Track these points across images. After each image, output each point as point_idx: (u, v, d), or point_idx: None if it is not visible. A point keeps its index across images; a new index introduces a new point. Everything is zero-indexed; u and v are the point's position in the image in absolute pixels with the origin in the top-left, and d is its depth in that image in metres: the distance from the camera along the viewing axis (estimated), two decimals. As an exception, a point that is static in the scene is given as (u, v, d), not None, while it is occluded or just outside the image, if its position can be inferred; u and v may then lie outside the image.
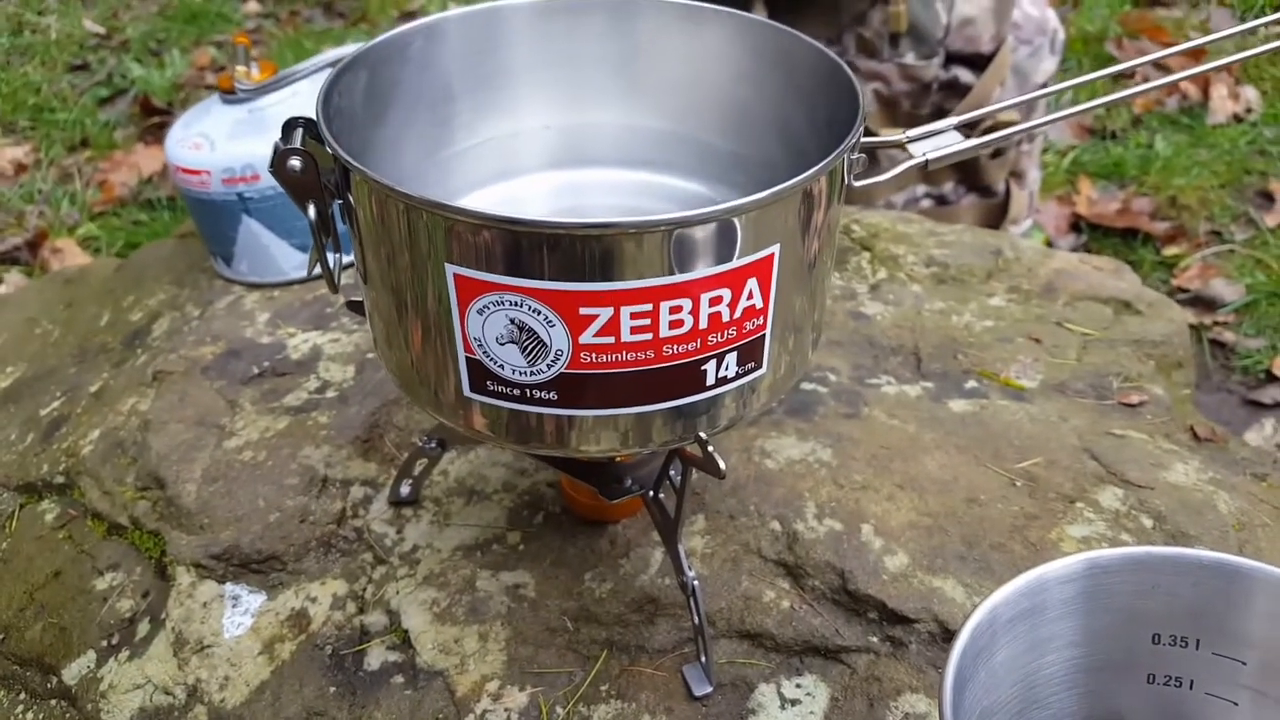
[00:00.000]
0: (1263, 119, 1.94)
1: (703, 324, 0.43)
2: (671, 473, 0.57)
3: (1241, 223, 1.72)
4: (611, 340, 0.42)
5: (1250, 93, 2.01)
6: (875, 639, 0.59)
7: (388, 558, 0.67)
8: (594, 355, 0.43)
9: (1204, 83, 2.04)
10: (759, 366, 0.47)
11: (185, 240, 1.09)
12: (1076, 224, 1.73)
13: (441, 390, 0.48)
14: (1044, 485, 0.69)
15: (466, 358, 0.45)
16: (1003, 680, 0.42)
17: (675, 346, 0.43)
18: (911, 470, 0.69)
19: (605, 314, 0.42)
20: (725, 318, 0.44)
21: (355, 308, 0.56)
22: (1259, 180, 1.80)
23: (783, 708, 0.57)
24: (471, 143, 0.59)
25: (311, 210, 0.48)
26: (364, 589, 0.65)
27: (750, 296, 0.44)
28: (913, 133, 0.54)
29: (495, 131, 0.59)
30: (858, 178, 0.51)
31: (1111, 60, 2.10)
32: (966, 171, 1.36)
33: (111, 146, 2.12)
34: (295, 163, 0.46)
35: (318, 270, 0.82)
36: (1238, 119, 1.96)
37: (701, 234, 0.41)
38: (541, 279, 0.41)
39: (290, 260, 0.92)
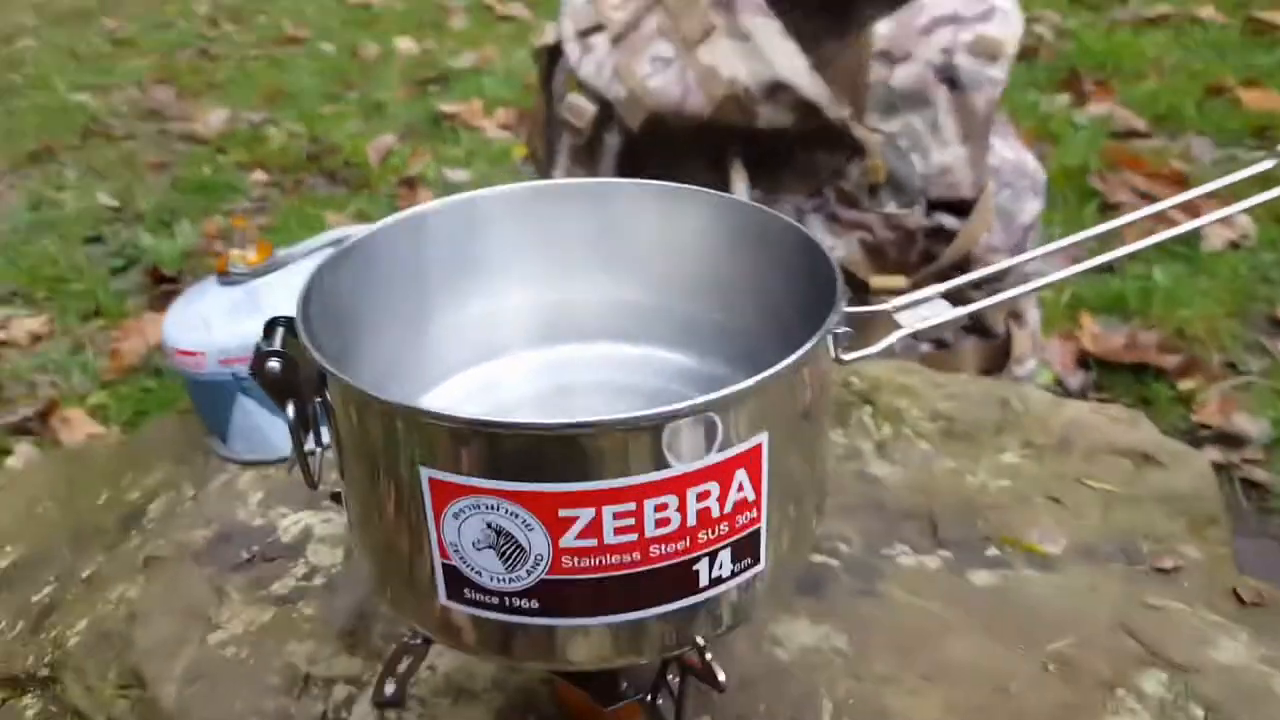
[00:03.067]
0: (1259, 244, 1.94)
1: (691, 521, 0.40)
2: (670, 676, 0.53)
3: (1255, 351, 1.69)
4: (594, 543, 0.40)
5: (1243, 219, 2.01)
6: None
7: (371, 766, 0.62)
8: (576, 559, 0.40)
9: (1196, 211, 2.05)
10: (756, 562, 0.44)
11: (186, 416, 1.08)
12: (1084, 360, 1.71)
13: (418, 598, 0.44)
14: (1079, 669, 0.63)
15: (443, 564, 0.42)
16: None
17: (663, 546, 0.41)
18: (936, 657, 0.64)
19: (586, 515, 0.39)
20: (715, 513, 0.41)
21: (337, 499, 0.54)
22: (1265, 306, 1.78)
23: None
24: (452, 325, 0.58)
25: (290, 410, 0.46)
26: (344, 804, 0.60)
27: (740, 489, 0.41)
28: (898, 302, 0.53)
29: (475, 312, 0.58)
30: (846, 350, 0.50)
31: (1094, 193, 2.13)
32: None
33: (123, 315, 2.16)
34: (274, 364, 0.45)
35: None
36: (1234, 246, 1.97)
37: (683, 428, 0.39)
38: (516, 481, 0.39)
39: (285, 437, 0.90)
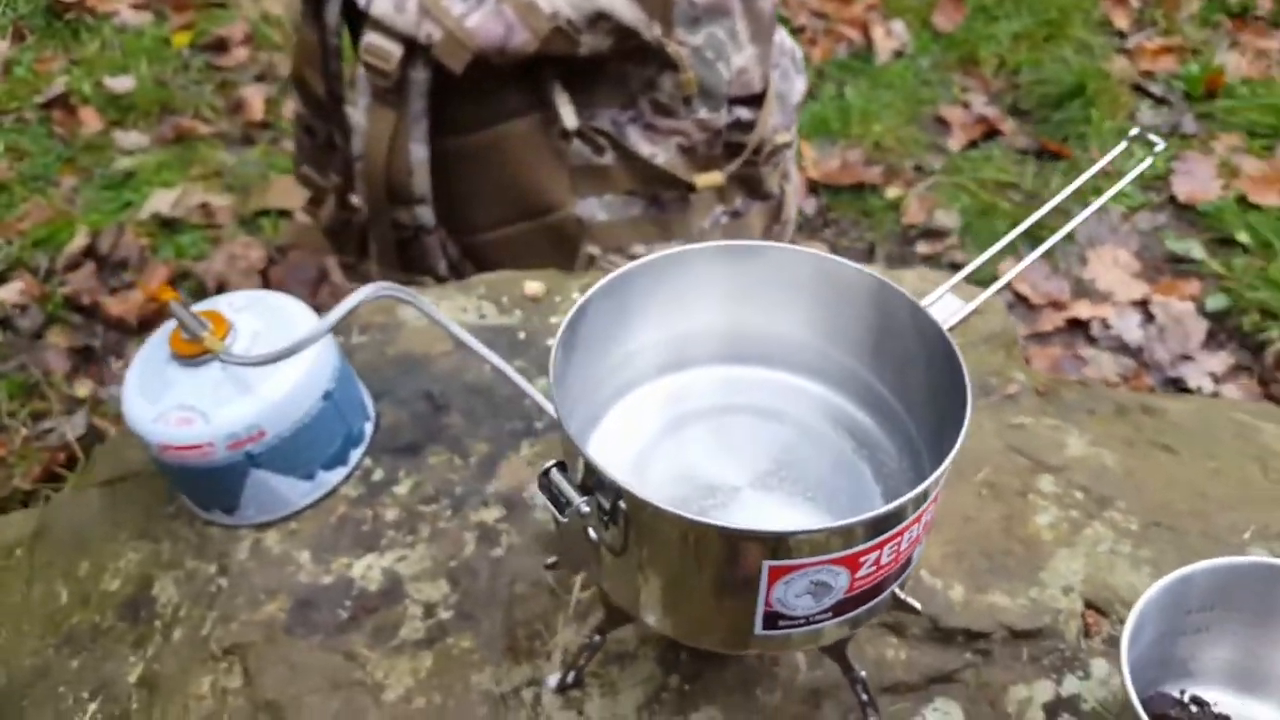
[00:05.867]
0: (916, 51, 2.33)
1: (920, 531, 0.61)
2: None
3: (934, 152, 2.10)
4: (874, 569, 0.59)
5: (899, 27, 2.38)
6: (969, 655, 0.82)
7: (585, 738, 0.78)
8: (863, 581, 0.59)
9: (863, 27, 2.38)
10: (921, 543, 0.66)
11: (115, 488, 1.03)
12: (814, 188, 2.04)
13: (731, 634, 0.61)
14: (1001, 489, 0.94)
15: (765, 612, 0.59)
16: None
17: (907, 551, 0.61)
18: (922, 511, 0.91)
19: (873, 556, 0.58)
20: (928, 520, 0.62)
21: (554, 567, 0.66)
22: (931, 108, 2.19)
23: (933, 729, 0.78)
24: (646, 344, 0.74)
25: (592, 534, 0.58)
26: (583, 772, 0.77)
27: (925, 521, 0.62)
28: (924, 300, 0.73)
29: (668, 334, 0.75)
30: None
31: (784, 20, 2.38)
32: (752, 184, 1.59)
33: None
34: (586, 509, 0.57)
35: (321, 494, 0.92)
36: (899, 55, 2.34)
37: (928, 491, 0.58)
38: (838, 551, 0.56)
39: (298, 490, 0.94)
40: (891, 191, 2.02)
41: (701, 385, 0.77)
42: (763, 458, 0.72)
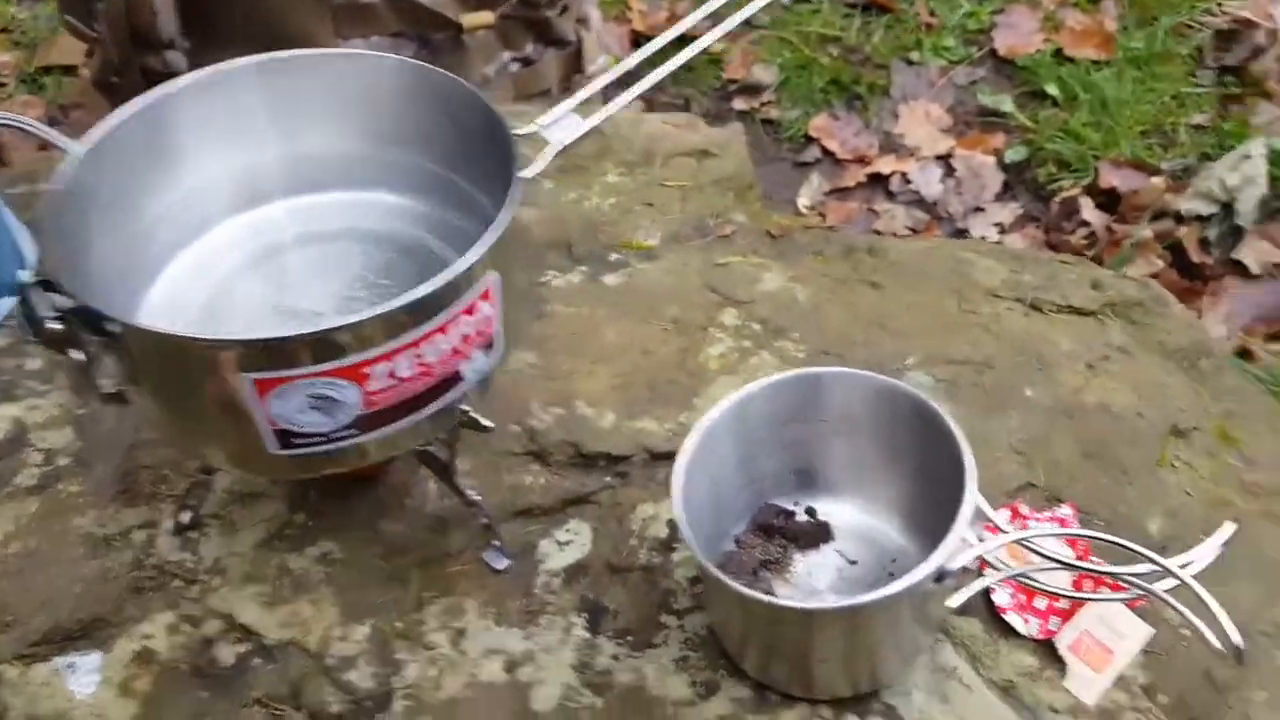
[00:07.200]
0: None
1: (457, 343, 0.57)
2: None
3: (772, 8, 2.00)
4: (393, 382, 0.55)
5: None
6: (608, 479, 0.79)
7: (197, 577, 0.75)
8: (382, 395, 0.55)
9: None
10: (495, 348, 0.62)
11: None
12: (638, 40, 1.94)
13: (248, 456, 0.57)
14: (686, 324, 0.91)
15: (272, 429, 0.55)
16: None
17: (441, 365, 0.57)
18: (597, 346, 0.88)
19: (385, 367, 0.54)
20: (470, 333, 0.57)
21: (117, 399, 0.61)
22: (767, -40, 2.08)
23: (561, 549, 0.76)
24: (208, 180, 0.68)
25: (75, 354, 0.53)
26: (191, 610, 0.74)
27: (484, 310, 0.57)
28: (542, 120, 0.68)
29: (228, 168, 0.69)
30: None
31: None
32: (542, 30, 1.50)
33: None
34: (57, 326, 0.51)
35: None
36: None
37: (439, 295, 0.53)
38: (332, 361, 0.52)
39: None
40: (717, 45, 1.93)
41: (279, 217, 0.71)
42: (351, 280, 0.67)
